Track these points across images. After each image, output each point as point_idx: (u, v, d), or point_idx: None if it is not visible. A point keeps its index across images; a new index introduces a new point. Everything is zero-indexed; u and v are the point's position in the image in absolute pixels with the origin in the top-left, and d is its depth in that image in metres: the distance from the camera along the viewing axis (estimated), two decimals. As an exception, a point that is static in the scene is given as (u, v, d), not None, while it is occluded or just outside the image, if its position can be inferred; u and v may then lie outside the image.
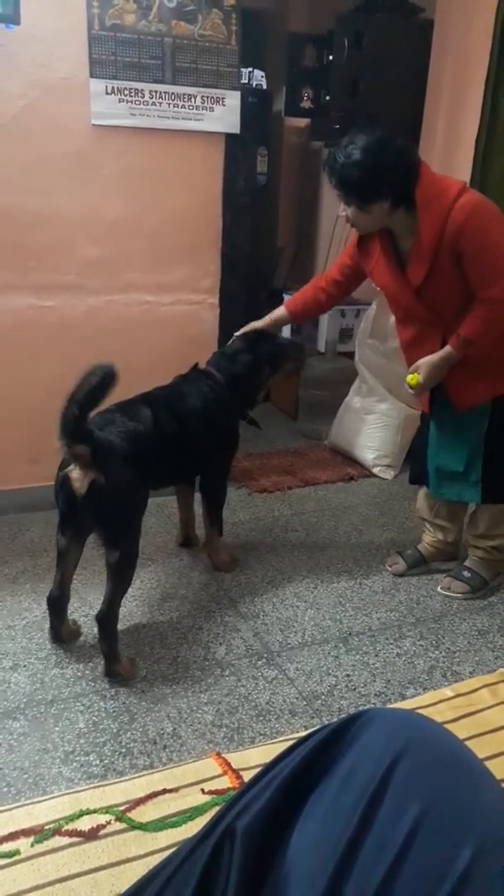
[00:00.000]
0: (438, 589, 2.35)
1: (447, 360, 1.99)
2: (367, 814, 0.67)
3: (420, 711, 1.09)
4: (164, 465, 2.07)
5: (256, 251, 4.04)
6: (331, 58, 3.51)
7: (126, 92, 2.45)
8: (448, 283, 1.93)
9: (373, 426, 3.28)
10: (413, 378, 2.06)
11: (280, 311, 2.37)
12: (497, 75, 2.65)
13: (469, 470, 2.16)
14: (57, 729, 1.68)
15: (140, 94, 2.47)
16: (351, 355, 3.44)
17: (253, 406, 2.38)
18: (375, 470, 3.29)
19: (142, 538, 1.94)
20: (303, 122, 4.28)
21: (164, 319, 2.76)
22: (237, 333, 2.36)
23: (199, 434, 2.15)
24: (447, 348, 1.98)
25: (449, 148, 3.00)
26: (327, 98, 3.66)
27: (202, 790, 1.24)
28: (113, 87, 2.42)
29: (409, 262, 1.97)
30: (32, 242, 2.50)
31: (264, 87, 3.88)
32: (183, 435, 2.09)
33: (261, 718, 1.74)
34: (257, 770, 0.80)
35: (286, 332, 4.21)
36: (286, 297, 4.14)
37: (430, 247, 1.87)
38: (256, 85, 3.83)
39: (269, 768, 0.78)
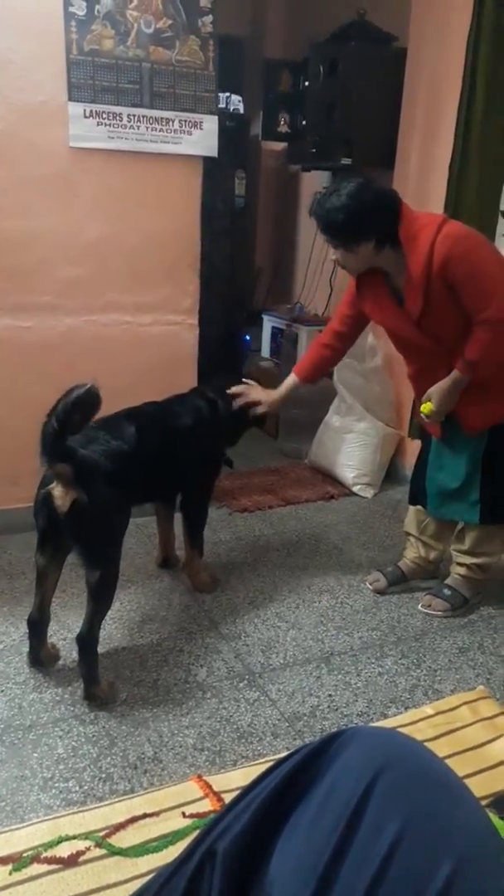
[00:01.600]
0: (419, 607, 2.35)
1: (456, 385, 2.03)
2: (348, 832, 0.67)
3: (401, 730, 1.09)
4: (147, 482, 2.07)
5: (235, 272, 4.08)
6: (307, 84, 3.57)
7: (104, 115, 2.47)
8: (445, 312, 1.97)
9: (352, 445, 3.30)
10: (426, 407, 2.09)
11: (290, 380, 2.37)
12: (469, 102, 2.71)
13: (468, 489, 2.18)
14: (35, 755, 1.65)
15: (118, 118, 2.49)
16: (330, 375, 3.46)
17: (234, 443, 2.42)
18: (355, 488, 3.30)
19: (121, 559, 1.93)
20: (280, 145, 4.34)
21: (143, 340, 2.77)
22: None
23: (186, 451, 2.16)
24: (454, 373, 2.02)
25: (423, 173, 3.06)
26: (304, 123, 3.72)
27: (183, 814, 1.22)
28: (91, 111, 2.45)
29: (406, 296, 2.02)
30: (10, 263, 2.50)
31: (242, 111, 3.94)
32: (169, 452, 2.09)
33: (243, 741, 1.72)
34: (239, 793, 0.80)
35: (265, 351, 4.24)
36: (264, 318, 4.20)
37: (420, 281, 1.92)
38: (234, 109, 3.89)
39: (249, 789, 0.78)
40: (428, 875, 0.64)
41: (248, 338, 4.39)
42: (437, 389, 2.06)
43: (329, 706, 1.87)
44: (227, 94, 3.82)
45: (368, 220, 1.92)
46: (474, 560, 2.31)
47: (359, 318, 2.25)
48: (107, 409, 2.07)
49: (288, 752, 0.79)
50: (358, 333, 2.33)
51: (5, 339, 2.56)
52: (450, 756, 1.36)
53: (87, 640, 1.81)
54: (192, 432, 2.17)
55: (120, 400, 2.15)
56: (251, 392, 2.36)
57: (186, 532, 2.36)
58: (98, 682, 1.83)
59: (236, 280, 4.14)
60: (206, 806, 1.24)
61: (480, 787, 1.27)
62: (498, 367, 2.02)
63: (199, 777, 1.30)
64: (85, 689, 1.83)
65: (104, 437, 1.89)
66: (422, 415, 2.12)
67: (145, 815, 1.22)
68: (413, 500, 2.39)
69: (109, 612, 2.20)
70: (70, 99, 2.41)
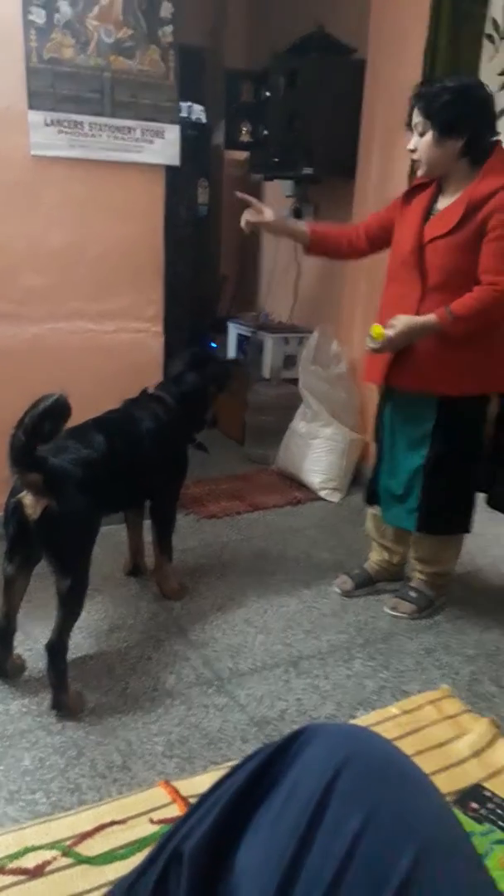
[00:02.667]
0: (386, 609, 2.38)
1: (424, 328, 1.94)
2: (311, 825, 0.68)
3: (367, 728, 1.09)
4: (118, 490, 2.07)
5: (199, 280, 4.08)
6: (268, 94, 3.60)
7: (65, 124, 2.47)
8: (455, 253, 1.93)
9: (318, 450, 3.33)
10: (378, 329, 1.97)
11: (301, 224, 2.31)
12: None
13: (408, 496, 2.19)
14: (1, 768, 1.63)
15: (80, 126, 2.49)
16: (295, 381, 3.49)
17: (201, 429, 2.40)
18: (322, 493, 3.33)
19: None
20: (242, 154, 4.37)
21: (108, 347, 2.76)
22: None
23: (152, 457, 2.17)
24: (431, 316, 1.93)
25: (382, 182, 3.11)
26: (265, 133, 3.76)
27: (151, 820, 1.22)
28: (52, 119, 2.44)
29: (436, 217, 1.99)
30: (-28, 272, 2.48)
31: (204, 120, 3.96)
32: (136, 459, 2.10)
33: (212, 747, 1.72)
34: (207, 796, 0.80)
35: (231, 347, 4.26)
36: (230, 325, 4.21)
37: (471, 204, 1.89)
38: (196, 119, 3.91)
39: (213, 790, 0.78)
40: (390, 865, 0.64)
41: (214, 345, 4.40)
42: (404, 319, 1.96)
43: (297, 710, 1.87)
44: (189, 103, 3.84)
45: (470, 115, 1.89)
46: (431, 569, 2.34)
47: (379, 237, 2.20)
48: (73, 417, 2.05)
49: (252, 751, 0.80)
50: (375, 247, 2.25)
51: (-32, 347, 2.54)
52: (415, 754, 1.37)
53: (56, 647, 1.80)
54: (154, 436, 2.18)
55: (86, 408, 2.13)
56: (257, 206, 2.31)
57: (155, 537, 2.36)
58: (67, 689, 1.81)
59: (201, 288, 4.15)
60: (174, 811, 1.24)
61: (445, 785, 1.29)
62: (464, 341, 1.96)
63: (167, 783, 1.30)
64: (53, 698, 1.81)
65: (74, 446, 1.89)
66: (368, 338, 2.01)
67: (112, 823, 1.21)
68: (368, 500, 2.41)
69: (77, 621, 2.19)
70: (30, 107, 2.40)
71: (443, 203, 2.02)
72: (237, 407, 3.90)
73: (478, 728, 1.48)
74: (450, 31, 2.71)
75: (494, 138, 1.96)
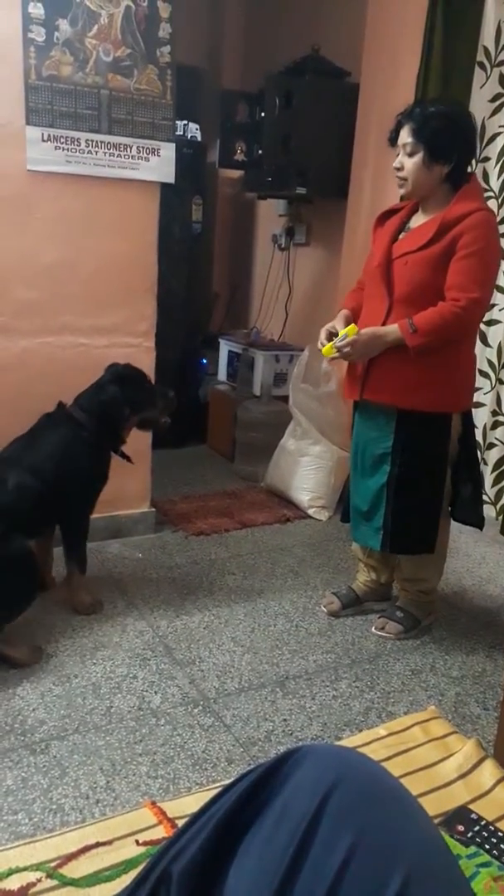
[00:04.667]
0: (373, 630, 2.37)
1: (387, 337, 2.00)
2: (302, 847, 0.67)
3: (355, 750, 1.08)
4: (26, 518, 2.08)
5: (192, 297, 4.10)
6: (262, 115, 3.65)
7: (62, 140, 2.48)
8: (421, 269, 1.98)
9: (307, 468, 3.34)
10: (353, 329, 2.03)
11: (344, 311, 2.30)
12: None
13: (374, 514, 2.20)
14: (-17, 786, 1.61)
15: (76, 143, 2.51)
16: (285, 399, 3.51)
17: (116, 444, 2.33)
18: (310, 511, 3.33)
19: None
20: (236, 173, 4.42)
21: (99, 362, 2.73)
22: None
23: (61, 481, 2.16)
24: (394, 326, 1.99)
25: (375, 202, 3.15)
26: (260, 152, 3.80)
27: (137, 841, 1.20)
28: (49, 135, 2.46)
29: (408, 234, 2.06)
30: (-36, 284, 2.48)
31: (199, 139, 4.00)
32: (40, 484, 2.11)
33: (197, 768, 1.71)
34: (194, 817, 0.79)
35: (222, 375, 4.26)
36: (221, 342, 4.22)
37: (443, 226, 1.95)
38: (191, 137, 3.94)
39: (204, 810, 0.78)
40: (380, 888, 0.64)
41: (205, 361, 4.41)
42: (370, 329, 2.04)
43: (284, 730, 1.86)
44: (185, 122, 3.87)
45: (459, 143, 1.96)
46: (416, 587, 2.34)
47: None
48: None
49: (242, 772, 0.79)
50: None
51: (-42, 360, 2.53)
52: (402, 776, 1.36)
53: None
54: (60, 458, 2.17)
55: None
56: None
57: (65, 546, 2.31)
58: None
59: (193, 304, 4.17)
60: (160, 833, 1.22)
61: (432, 807, 1.28)
62: (428, 356, 1.99)
63: (153, 804, 1.28)
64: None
65: None
66: (335, 339, 2.06)
67: (98, 844, 1.19)
68: (343, 518, 2.42)
69: (61, 639, 2.18)
70: (28, 123, 2.42)
71: (416, 222, 2.09)
72: (227, 423, 3.92)
73: (464, 750, 1.47)
74: (442, 58, 2.76)
75: (473, 166, 2.04)
